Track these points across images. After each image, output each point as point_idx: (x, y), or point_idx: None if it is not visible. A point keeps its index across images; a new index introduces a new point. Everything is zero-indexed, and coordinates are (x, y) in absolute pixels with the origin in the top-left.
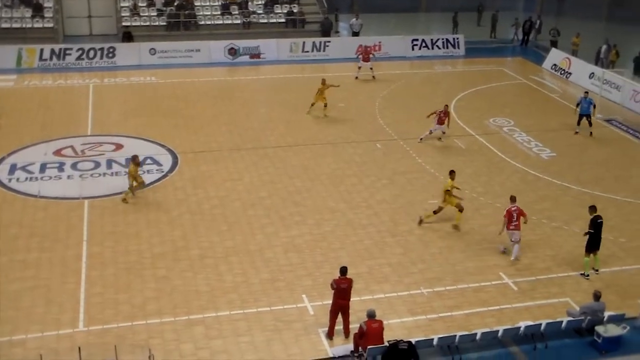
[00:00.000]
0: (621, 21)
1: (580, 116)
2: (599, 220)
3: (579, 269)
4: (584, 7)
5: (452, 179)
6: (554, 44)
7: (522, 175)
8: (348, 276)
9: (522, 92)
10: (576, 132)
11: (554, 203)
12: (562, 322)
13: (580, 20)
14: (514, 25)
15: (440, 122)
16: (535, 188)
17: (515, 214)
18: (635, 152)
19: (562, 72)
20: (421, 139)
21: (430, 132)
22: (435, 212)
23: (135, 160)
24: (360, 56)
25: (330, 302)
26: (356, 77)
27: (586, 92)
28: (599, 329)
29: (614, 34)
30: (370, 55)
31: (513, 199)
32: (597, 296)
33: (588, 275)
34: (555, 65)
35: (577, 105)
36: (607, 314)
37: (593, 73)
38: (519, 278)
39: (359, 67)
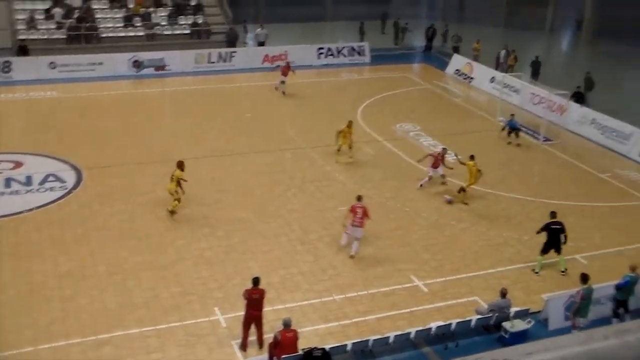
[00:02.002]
0: (517, 28)
1: (510, 129)
2: (552, 227)
3: (486, 268)
4: (483, 14)
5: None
6: (456, 49)
7: (417, 173)
8: (260, 287)
9: (427, 97)
10: (509, 143)
11: (461, 205)
12: (471, 320)
13: (479, 27)
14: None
15: (435, 165)
16: (443, 191)
17: (359, 211)
18: (534, 152)
19: (465, 76)
20: (421, 185)
21: (430, 178)
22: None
23: (181, 166)
24: (280, 69)
25: (243, 313)
26: (276, 88)
27: (512, 115)
28: (506, 324)
29: (511, 40)
30: (290, 72)
31: (359, 198)
32: (503, 293)
33: (538, 272)
34: (458, 70)
35: (503, 129)
36: (513, 310)
37: (494, 77)
38: (429, 280)
39: (282, 82)
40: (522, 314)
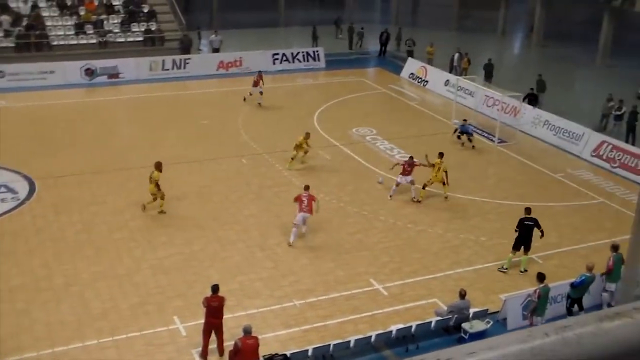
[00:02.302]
0: (470, 31)
1: (462, 132)
2: (525, 222)
3: (444, 269)
4: (435, 18)
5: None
6: (410, 53)
7: (386, 182)
8: (220, 294)
9: (383, 101)
10: (463, 144)
11: (417, 207)
12: (431, 322)
13: (432, 31)
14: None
15: (405, 172)
16: (400, 194)
17: (305, 200)
18: (489, 153)
19: (419, 80)
20: (390, 196)
21: (397, 185)
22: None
23: (159, 167)
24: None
25: (203, 321)
26: (244, 99)
27: (465, 120)
28: (465, 325)
29: (464, 43)
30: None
31: (306, 188)
32: (462, 295)
33: (506, 269)
34: (412, 74)
35: (455, 132)
36: (472, 310)
37: (448, 80)
38: (388, 283)
39: (250, 94)
40: (481, 315)
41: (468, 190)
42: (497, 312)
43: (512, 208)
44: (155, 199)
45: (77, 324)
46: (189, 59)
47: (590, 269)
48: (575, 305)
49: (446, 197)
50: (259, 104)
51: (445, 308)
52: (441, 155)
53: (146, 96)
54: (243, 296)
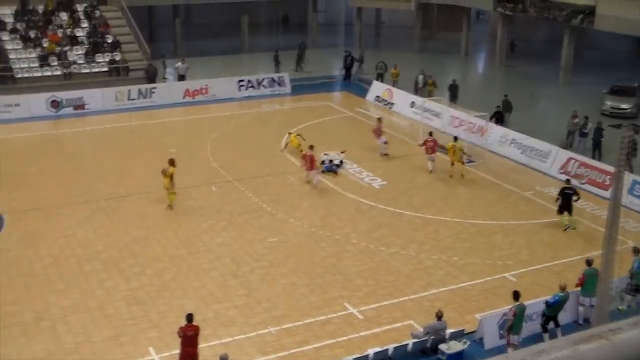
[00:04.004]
0: (433, 52)
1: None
2: (565, 191)
3: (419, 291)
4: (398, 41)
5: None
6: (381, 76)
7: (357, 205)
8: (194, 323)
9: (350, 124)
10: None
11: (389, 229)
12: (407, 344)
13: (395, 53)
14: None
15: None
16: (371, 217)
17: (308, 158)
18: (458, 174)
19: (385, 102)
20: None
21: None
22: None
23: (173, 163)
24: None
25: (179, 351)
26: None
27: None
28: (442, 347)
29: (428, 64)
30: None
31: (311, 147)
32: (439, 316)
33: (567, 228)
34: (378, 96)
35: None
36: (448, 331)
37: (414, 102)
38: (363, 306)
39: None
40: (457, 335)
41: (439, 210)
42: (474, 332)
43: (483, 227)
44: (171, 193)
45: None
46: (154, 88)
47: (563, 288)
48: (551, 322)
49: (463, 175)
50: (386, 154)
51: (422, 329)
52: (455, 138)
53: (113, 126)
54: (218, 325)
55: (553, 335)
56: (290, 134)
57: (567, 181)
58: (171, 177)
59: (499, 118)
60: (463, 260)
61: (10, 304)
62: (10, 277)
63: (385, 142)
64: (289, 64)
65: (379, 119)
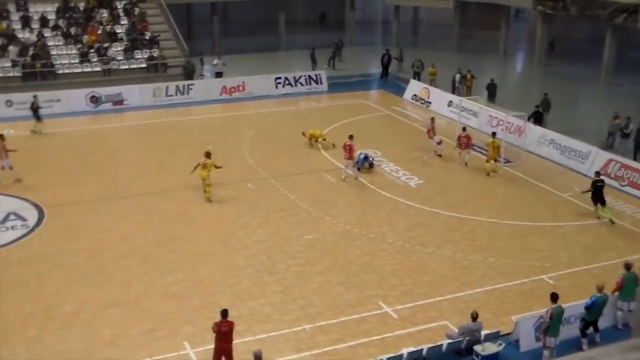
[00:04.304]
0: (471, 51)
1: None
2: (597, 184)
3: (454, 291)
4: (436, 39)
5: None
6: (418, 75)
7: (393, 204)
8: (229, 319)
9: (386, 123)
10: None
11: (425, 229)
12: (442, 345)
13: (433, 52)
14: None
15: (464, 146)
16: (407, 216)
17: (347, 147)
18: (495, 173)
19: (423, 101)
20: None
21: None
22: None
23: (210, 155)
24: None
25: (213, 346)
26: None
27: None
28: (477, 348)
29: (466, 63)
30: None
31: (350, 137)
32: (474, 317)
33: (611, 221)
34: (415, 95)
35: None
36: (483, 332)
37: (451, 101)
38: (398, 305)
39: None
40: (492, 337)
41: (475, 210)
42: (509, 333)
43: (520, 228)
44: (207, 185)
45: (88, 352)
46: (192, 84)
47: (600, 289)
48: (591, 328)
49: (493, 172)
50: (439, 155)
51: (456, 330)
52: (494, 134)
53: (150, 122)
54: (253, 321)
55: (592, 341)
56: (304, 134)
57: (597, 174)
58: (213, 167)
59: (537, 118)
60: (499, 261)
61: (50, 296)
62: (50, 270)
63: (439, 142)
64: (326, 62)
65: (432, 119)
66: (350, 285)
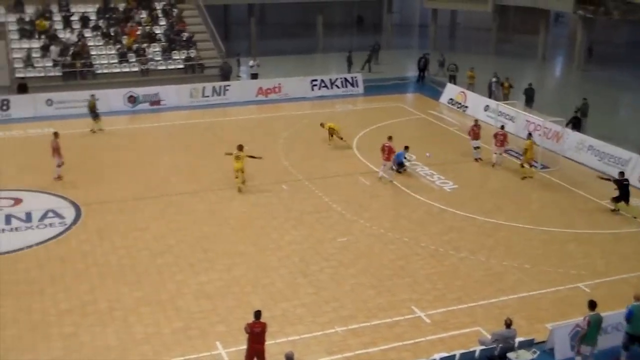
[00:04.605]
0: (508, 55)
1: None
2: (623, 182)
3: (488, 297)
4: (473, 43)
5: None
6: (453, 78)
7: (427, 208)
8: (262, 320)
9: (422, 126)
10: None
11: (459, 233)
12: (475, 351)
13: (471, 56)
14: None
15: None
16: (441, 220)
17: (386, 149)
18: (532, 179)
19: (459, 105)
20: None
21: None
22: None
23: (242, 148)
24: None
25: (245, 347)
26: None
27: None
28: (511, 355)
29: (503, 68)
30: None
31: (390, 138)
32: (508, 324)
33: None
34: (451, 99)
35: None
36: (517, 340)
37: (488, 105)
38: (431, 310)
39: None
40: (527, 344)
41: (510, 216)
42: (544, 341)
43: (556, 235)
44: (238, 177)
45: (122, 349)
46: (228, 85)
47: (638, 298)
48: (636, 343)
49: (529, 177)
50: (479, 159)
51: (490, 337)
52: (529, 135)
53: (187, 123)
54: (285, 322)
55: (633, 357)
56: (322, 125)
57: (622, 174)
58: (246, 157)
59: (576, 123)
60: (534, 268)
61: (86, 293)
62: (86, 267)
63: (477, 148)
64: (362, 65)
65: (476, 121)
66: (383, 289)
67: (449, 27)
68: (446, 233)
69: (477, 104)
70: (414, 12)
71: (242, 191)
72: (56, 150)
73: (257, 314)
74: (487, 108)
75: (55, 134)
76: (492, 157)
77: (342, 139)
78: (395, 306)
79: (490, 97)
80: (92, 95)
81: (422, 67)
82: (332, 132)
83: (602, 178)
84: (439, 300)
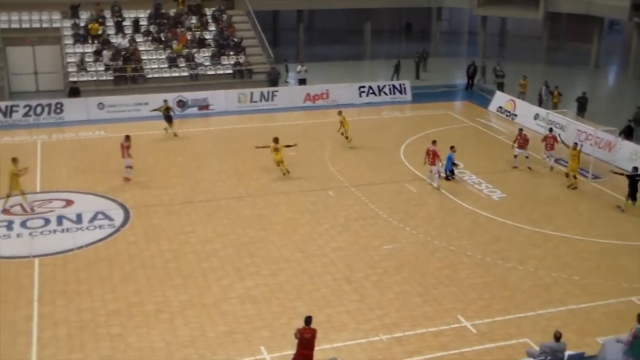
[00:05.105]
0: (560, 64)
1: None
2: (636, 178)
3: (536, 308)
4: (523, 51)
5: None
6: (501, 85)
7: (474, 216)
8: (311, 326)
9: (470, 134)
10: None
11: (507, 243)
12: None
13: (521, 64)
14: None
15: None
16: (488, 229)
17: (431, 153)
18: (583, 189)
19: (508, 114)
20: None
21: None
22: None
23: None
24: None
25: (290, 352)
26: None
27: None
28: None
29: (554, 76)
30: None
31: (434, 142)
32: (557, 337)
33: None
34: (500, 107)
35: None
36: (567, 353)
37: (538, 114)
38: (477, 320)
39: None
40: (576, 358)
41: (560, 226)
42: (594, 356)
43: (608, 247)
44: (281, 167)
45: (167, 351)
46: (276, 91)
47: None
48: None
49: (573, 188)
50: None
51: (538, 349)
52: (575, 145)
53: (235, 127)
54: (330, 328)
55: None
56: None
57: (636, 169)
58: (281, 151)
59: (629, 133)
60: (585, 280)
61: (133, 295)
62: (134, 269)
63: (516, 156)
64: (409, 72)
65: (520, 130)
66: (428, 297)
67: (499, 34)
68: (493, 242)
69: (526, 112)
70: (463, 20)
71: (287, 175)
72: (126, 152)
73: (308, 320)
74: (536, 116)
75: (127, 137)
76: (545, 162)
77: (347, 138)
78: (441, 315)
79: (540, 105)
80: (165, 101)
81: (471, 75)
82: (343, 124)
83: (616, 172)
84: (485, 310)
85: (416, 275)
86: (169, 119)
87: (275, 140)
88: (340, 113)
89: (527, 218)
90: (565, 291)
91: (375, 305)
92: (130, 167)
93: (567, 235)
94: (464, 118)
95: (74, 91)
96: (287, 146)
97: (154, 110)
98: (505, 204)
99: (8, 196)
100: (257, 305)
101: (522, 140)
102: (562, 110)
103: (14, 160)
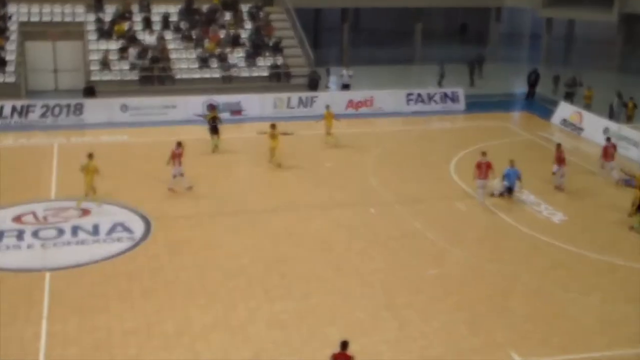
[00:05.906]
0: (635, 72)
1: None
2: None
3: (600, 348)
4: (593, 57)
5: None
6: (570, 96)
7: (531, 240)
8: (348, 352)
9: (529, 149)
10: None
11: (568, 271)
12: None
13: (590, 72)
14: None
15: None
16: (547, 254)
17: (483, 166)
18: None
19: (573, 127)
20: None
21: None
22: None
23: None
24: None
25: None
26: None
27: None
28: None
29: (629, 86)
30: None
31: (484, 154)
32: None
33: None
34: (565, 120)
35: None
36: None
37: (607, 128)
38: (532, 357)
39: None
40: None
41: (629, 255)
42: None
43: None
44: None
45: None
46: (316, 96)
47: None
48: None
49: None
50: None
51: None
52: None
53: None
54: (365, 359)
55: None
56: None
57: None
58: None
59: None
60: None
61: (153, 313)
62: (154, 285)
63: (554, 173)
64: (462, 78)
65: (559, 145)
66: (477, 329)
67: (565, 38)
68: (552, 269)
69: (595, 126)
70: (524, 21)
71: (281, 166)
72: (177, 159)
73: (344, 345)
74: (606, 131)
75: (179, 143)
76: (610, 176)
77: (329, 134)
78: (491, 349)
79: (611, 118)
80: (214, 107)
81: (533, 83)
82: (327, 119)
83: (626, 172)
84: (541, 345)
85: (464, 303)
86: (214, 129)
87: (273, 126)
88: (328, 107)
89: (591, 244)
90: (636, 330)
91: (417, 335)
92: (182, 174)
93: (638, 265)
94: (522, 131)
95: (89, 90)
96: (284, 134)
97: (199, 116)
98: (567, 228)
99: (86, 195)
100: (286, 330)
101: (559, 157)
102: (637, 124)
103: (90, 155)
